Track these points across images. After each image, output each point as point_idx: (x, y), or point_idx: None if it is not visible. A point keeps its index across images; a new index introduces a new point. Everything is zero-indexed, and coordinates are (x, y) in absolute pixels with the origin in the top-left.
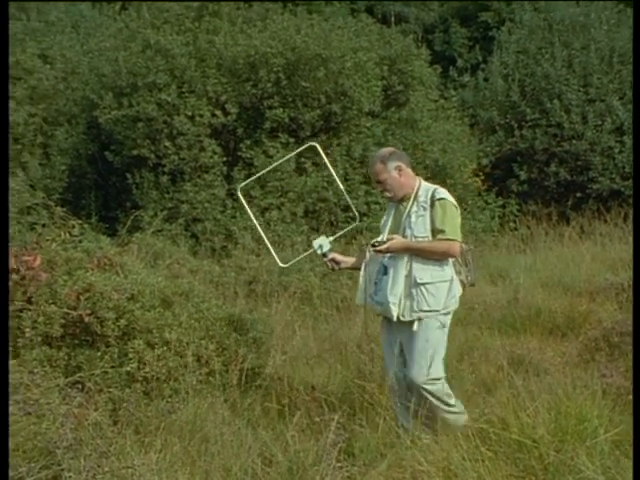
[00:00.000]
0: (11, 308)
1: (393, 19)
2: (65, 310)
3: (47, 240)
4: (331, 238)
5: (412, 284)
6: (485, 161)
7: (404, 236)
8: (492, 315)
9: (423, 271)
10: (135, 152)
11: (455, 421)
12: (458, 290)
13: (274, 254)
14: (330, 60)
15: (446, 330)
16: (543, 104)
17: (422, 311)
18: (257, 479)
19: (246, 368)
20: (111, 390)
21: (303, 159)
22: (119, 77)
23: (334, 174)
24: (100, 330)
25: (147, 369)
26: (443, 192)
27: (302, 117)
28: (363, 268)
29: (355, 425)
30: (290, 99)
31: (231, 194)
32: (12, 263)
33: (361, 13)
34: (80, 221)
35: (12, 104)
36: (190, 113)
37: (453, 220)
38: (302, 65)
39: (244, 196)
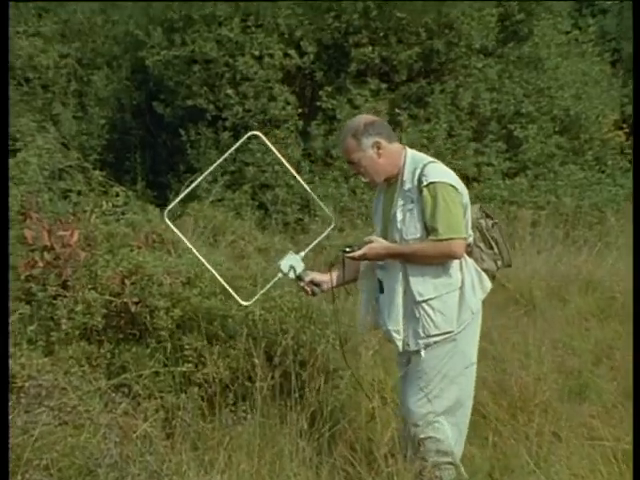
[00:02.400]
0: (43, 294)
1: None
2: (107, 297)
3: (84, 211)
4: (302, 254)
5: (412, 302)
6: (630, 109)
7: (393, 241)
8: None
9: (423, 283)
10: (190, 102)
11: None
12: (478, 292)
13: (233, 293)
14: None
15: (463, 348)
16: None
17: (430, 336)
18: None
19: (329, 369)
20: (163, 395)
21: (397, 110)
22: (170, 8)
23: (286, 163)
24: (150, 322)
25: (207, 370)
26: (432, 170)
27: (396, 57)
28: (359, 282)
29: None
30: (381, 34)
31: (308, 154)
32: (45, 238)
33: None
34: (124, 188)
35: (39, 42)
36: (257, 53)
37: (449, 211)
38: None
39: (173, 221)
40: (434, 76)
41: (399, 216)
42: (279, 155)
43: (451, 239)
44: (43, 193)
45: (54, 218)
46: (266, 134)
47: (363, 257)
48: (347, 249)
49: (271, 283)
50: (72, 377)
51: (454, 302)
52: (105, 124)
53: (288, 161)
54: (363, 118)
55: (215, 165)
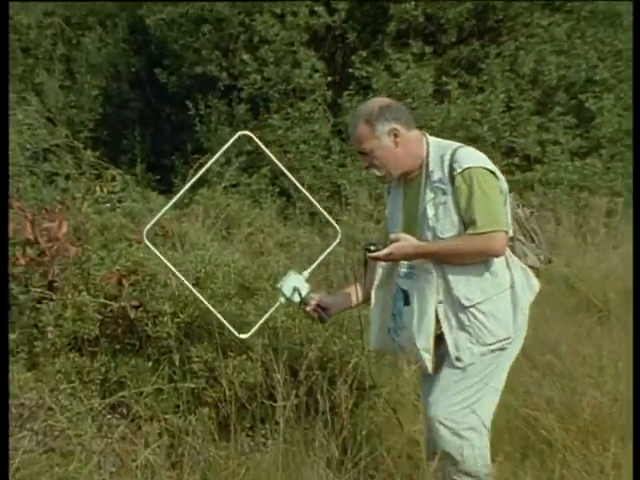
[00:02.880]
0: (25, 297)
1: None
2: (102, 300)
3: (74, 199)
4: (306, 273)
5: (458, 309)
6: None
7: (423, 240)
8: None
9: (467, 285)
10: (199, 70)
11: None
12: (527, 292)
13: (227, 324)
14: None
15: (512, 354)
16: None
17: (486, 345)
18: None
19: (364, 385)
20: (168, 417)
21: (445, 78)
22: None
23: (279, 164)
24: (152, 329)
25: (219, 387)
26: (464, 155)
27: (444, 14)
28: (374, 292)
29: (526, 475)
30: None
31: (338, 131)
32: (27, 231)
33: None
34: (120, 171)
35: None
36: (278, 10)
37: (487, 200)
38: None
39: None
40: (489, 37)
41: (430, 212)
42: (273, 158)
43: (492, 232)
44: (25, 177)
45: (38, 207)
46: (290, 106)
47: (389, 257)
48: (371, 247)
49: (271, 310)
50: (60, 395)
51: (506, 304)
52: (98, 95)
53: (314, 139)
54: (378, 101)
55: (202, 171)
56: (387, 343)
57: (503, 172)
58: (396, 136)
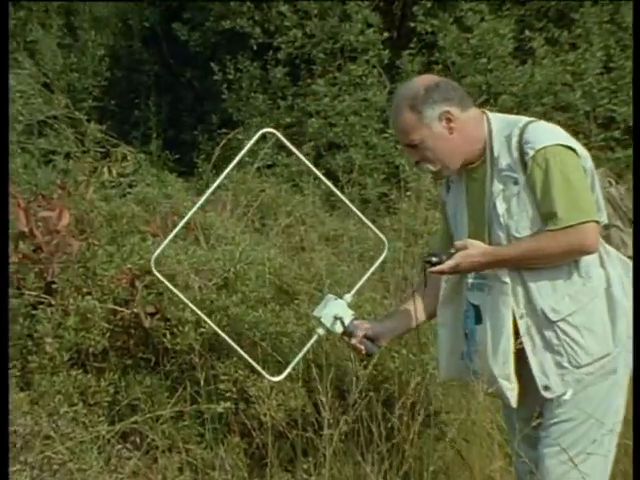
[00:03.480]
0: (18, 302)
1: None
2: (111, 306)
3: (76, 182)
4: (348, 297)
5: (544, 325)
6: None
7: (491, 242)
8: None
9: (553, 295)
10: (227, 24)
11: None
12: (629, 290)
13: (255, 365)
14: None
15: (623, 381)
16: None
17: (581, 367)
18: None
19: (429, 411)
20: (190, 448)
21: (528, 33)
22: None
23: (308, 164)
24: (170, 342)
25: (252, 411)
26: (536, 132)
27: None
28: (439, 310)
29: None
30: None
31: None
32: (20, 222)
33: None
34: (132, 148)
35: None
36: None
37: (569, 185)
38: None
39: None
40: None
41: (501, 207)
42: (300, 155)
43: (580, 224)
44: (16, 156)
45: (32, 192)
46: (337, 69)
47: (455, 269)
48: (432, 259)
49: (308, 346)
50: (60, 420)
51: (602, 311)
52: (104, 56)
53: (367, 109)
54: (421, 81)
55: (219, 181)
56: (460, 371)
57: (601, 148)
58: (449, 120)
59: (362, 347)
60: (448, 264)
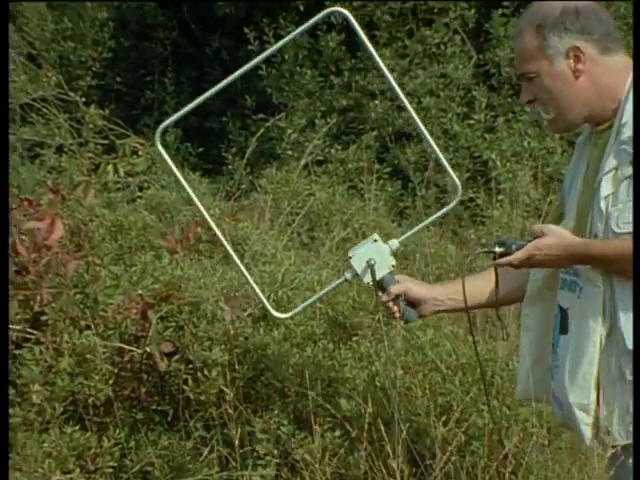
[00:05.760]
0: None
1: None
2: (117, 344)
3: (73, 185)
4: (396, 242)
5: (618, 353)
6: None
7: (592, 234)
8: None
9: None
10: None
11: None
12: None
13: (264, 300)
14: None
15: None
16: None
17: None
18: None
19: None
20: None
21: None
22: None
23: (388, 75)
24: (193, 389)
25: (305, 475)
26: None
27: None
28: (524, 309)
29: None
30: None
31: (485, 74)
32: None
33: None
34: (142, 140)
35: None
36: None
37: None
38: None
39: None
40: None
41: (606, 189)
42: (369, 47)
43: None
44: None
45: (15, 197)
46: (408, 36)
47: (525, 262)
48: (496, 249)
49: (329, 288)
50: None
51: None
52: (107, 20)
53: (447, 88)
54: (562, 2)
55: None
56: (545, 390)
57: None
58: (578, 60)
59: (395, 309)
60: (516, 256)
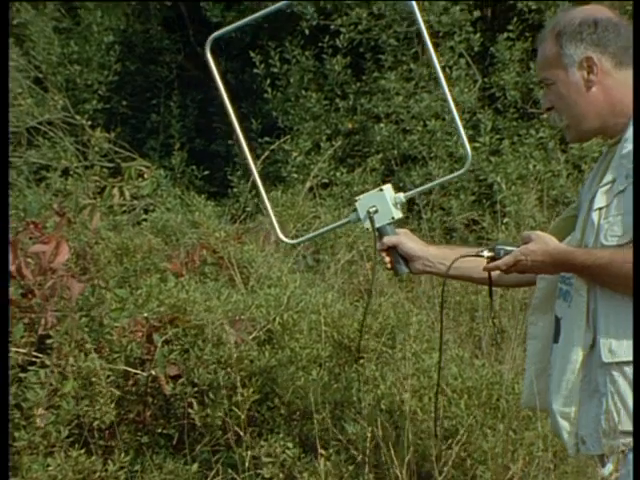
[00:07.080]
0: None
1: None
2: (122, 367)
3: (79, 207)
4: (402, 196)
5: (596, 363)
6: None
7: (584, 246)
8: None
9: (617, 330)
10: (270, 1)
11: None
12: None
13: (274, 221)
14: None
15: None
16: None
17: (623, 434)
18: None
19: None
20: None
21: None
22: None
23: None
24: (198, 413)
25: None
26: None
27: None
28: (530, 317)
29: None
30: None
31: (491, 97)
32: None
33: None
34: (148, 163)
35: None
36: None
37: None
38: None
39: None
40: None
41: (599, 201)
42: (425, 36)
43: None
44: None
45: (21, 219)
46: (413, 59)
47: (513, 268)
48: (485, 253)
49: (334, 225)
50: None
51: None
52: (113, 43)
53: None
54: (586, 11)
55: None
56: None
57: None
58: (591, 71)
59: (388, 259)
60: (504, 261)
